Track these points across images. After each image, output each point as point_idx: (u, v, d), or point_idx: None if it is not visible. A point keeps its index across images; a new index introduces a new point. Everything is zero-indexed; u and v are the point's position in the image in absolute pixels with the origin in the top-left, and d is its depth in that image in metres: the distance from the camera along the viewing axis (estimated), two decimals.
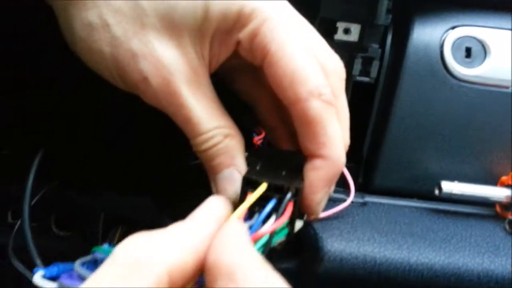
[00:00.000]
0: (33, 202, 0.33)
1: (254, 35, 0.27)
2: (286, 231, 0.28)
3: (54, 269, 0.28)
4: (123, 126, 0.39)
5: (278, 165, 0.29)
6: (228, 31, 0.27)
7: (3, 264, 0.37)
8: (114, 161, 0.38)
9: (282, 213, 0.26)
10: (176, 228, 0.21)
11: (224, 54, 0.29)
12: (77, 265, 0.27)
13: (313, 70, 0.27)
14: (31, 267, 0.31)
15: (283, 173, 0.28)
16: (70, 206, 0.38)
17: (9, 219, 0.39)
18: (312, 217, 0.30)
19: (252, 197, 0.26)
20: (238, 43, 0.28)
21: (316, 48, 0.28)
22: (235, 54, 0.29)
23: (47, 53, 0.34)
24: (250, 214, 0.26)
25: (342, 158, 0.28)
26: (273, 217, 0.25)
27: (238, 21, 0.27)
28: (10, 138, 0.39)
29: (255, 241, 0.24)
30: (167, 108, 0.27)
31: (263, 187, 0.26)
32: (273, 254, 0.34)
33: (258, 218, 0.25)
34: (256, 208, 0.26)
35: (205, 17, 0.26)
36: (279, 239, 0.28)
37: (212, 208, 0.23)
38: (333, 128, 0.27)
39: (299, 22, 0.29)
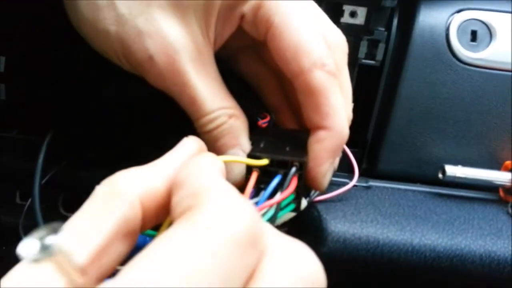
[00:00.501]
0: (43, 182, 0.34)
1: (258, 8, 0.27)
2: (292, 206, 0.28)
3: None
4: (133, 108, 0.39)
5: (282, 142, 0.29)
6: (232, 6, 0.28)
7: (12, 243, 0.38)
8: (122, 142, 0.39)
9: (287, 186, 0.26)
10: (151, 162, 0.21)
11: (228, 31, 0.29)
12: None
13: (316, 42, 0.27)
14: None
15: (287, 149, 0.28)
16: (77, 188, 0.39)
17: (18, 200, 0.40)
18: (319, 190, 0.30)
19: (254, 175, 0.26)
20: (242, 17, 0.28)
21: (319, 22, 0.29)
22: (238, 33, 0.29)
23: (57, 35, 0.34)
24: (257, 191, 0.26)
25: (346, 129, 0.28)
26: (279, 193, 0.26)
27: None
28: (18, 120, 0.40)
29: (261, 213, 0.25)
30: (172, 88, 0.27)
31: (264, 161, 0.26)
32: None
33: (263, 194, 0.25)
34: (262, 186, 0.26)
35: None
36: (286, 213, 0.28)
37: (186, 144, 0.23)
38: (336, 99, 0.27)
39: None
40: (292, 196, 0.28)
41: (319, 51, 0.27)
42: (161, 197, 0.19)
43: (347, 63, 0.30)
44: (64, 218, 0.40)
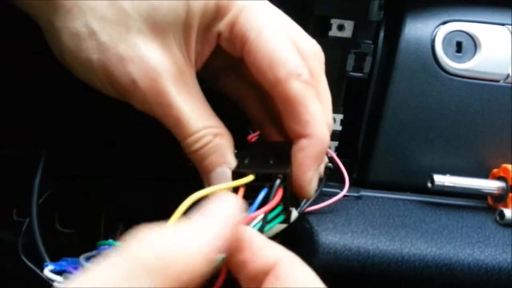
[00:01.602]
0: (40, 201, 0.34)
1: (233, 24, 0.28)
2: (281, 217, 0.29)
3: (62, 264, 0.30)
4: (125, 126, 0.40)
5: (266, 155, 0.30)
6: (208, 25, 0.28)
7: (9, 260, 0.38)
8: (116, 159, 0.39)
9: (272, 198, 0.26)
10: (190, 228, 0.20)
11: (207, 50, 0.30)
12: (82, 259, 0.28)
13: (289, 52, 0.28)
14: (38, 263, 0.32)
15: (271, 161, 0.29)
16: (73, 204, 0.39)
17: (15, 217, 0.40)
18: (306, 198, 0.30)
19: (240, 192, 0.27)
20: (219, 35, 0.29)
21: (293, 33, 0.29)
22: (217, 53, 0.30)
23: (49, 54, 0.35)
24: (245, 207, 0.27)
25: (326, 136, 0.29)
26: (264, 207, 0.26)
27: (217, 13, 0.28)
28: (12, 138, 0.40)
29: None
30: (156, 110, 0.28)
31: (249, 178, 0.27)
32: None
33: (250, 208, 0.26)
34: (250, 201, 0.27)
35: (187, 14, 0.27)
36: (274, 226, 0.29)
37: (225, 207, 0.23)
38: (314, 107, 0.28)
39: (273, 9, 0.30)
40: (280, 208, 0.28)
41: (293, 61, 0.28)
42: (199, 275, 0.19)
43: (324, 71, 0.31)
44: (61, 235, 0.40)
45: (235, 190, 0.27)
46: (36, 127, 0.39)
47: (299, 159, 0.28)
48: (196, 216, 0.20)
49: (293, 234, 0.35)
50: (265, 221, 0.26)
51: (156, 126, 0.30)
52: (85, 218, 0.40)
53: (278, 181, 0.27)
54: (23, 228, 0.37)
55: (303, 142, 0.28)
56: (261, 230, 0.26)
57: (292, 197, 0.29)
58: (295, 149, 0.29)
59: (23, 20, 0.30)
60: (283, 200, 0.28)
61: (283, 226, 0.31)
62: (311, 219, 0.35)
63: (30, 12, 0.28)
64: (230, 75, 0.34)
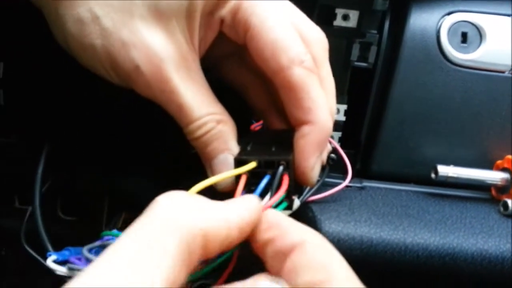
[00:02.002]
0: (43, 189, 0.34)
1: (236, 11, 0.28)
2: (284, 204, 0.29)
3: (65, 253, 0.30)
4: (128, 113, 0.40)
5: (268, 142, 0.30)
6: (211, 11, 0.28)
7: (11, 247, 0.38)
8: (119, 148, 0.39)
9: (279, 186, 0.26)
10: (213, 202, 0.21)
11: (210, 36, 0.30)
12: (85, 250, 0.28)
13: (292, 39, 0.28)
14: (40, 251, 0.32)
15: (273, 149, 0.29)
16: (75, 192, 0.39)
17: (17, 204, 0.40)
18: (309, 185, 0.30)
19: (242, 179, 0.27)
20: (222, 21, 0.29)
21: (296, 20, 0.29)
22: (220, 40, 0.30)
23: (52, 44, 0.35)
24: (247, 193, 0.27)
25: (329, 122, 0.29)
26: (269, 194, 0.26)
27: None
28: (16, 125, 0.40)
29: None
30: (159, 96, 0.28)
31: (251, 165, 0.27)
32: None
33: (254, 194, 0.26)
34: (253, 188, 0.27)
35: (190, 0, 0.27)
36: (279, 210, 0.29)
37: (246, 198, 0.24)
38: (316, 93, 0.28)
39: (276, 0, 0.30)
40: (283, 195, 0.29)
41: (296, 48, 0.28)
42: (219, 242, 0.20)
43: (327, 59, 0.31)
44: (63, 222, 0.40)
45: (238, 177, 0.27)
46: (39, 117, 0.39)
47: (301, 146, 0.28)
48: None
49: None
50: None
51: (159, 113, 0.30)
52: (88, 206, 0.40)
53: (281, 168, 0.27)
54: (26, 217, 0.37)
55: (305, 129, 0.28)
56: None
57: (295, 184, 0.29)
58: (297, 135, 0.29)
59: (26, 11, 0.29)
60: (288, 187, 0.27)
61: (286, 213, 0.31)
62: (314, 208, 0.35)
63: (33, 0, 0.28)
64: (233, 63, 0.34)
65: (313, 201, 0.35)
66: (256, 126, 0.39)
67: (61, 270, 0.28)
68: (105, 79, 0.29)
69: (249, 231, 0.22)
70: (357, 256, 0.32)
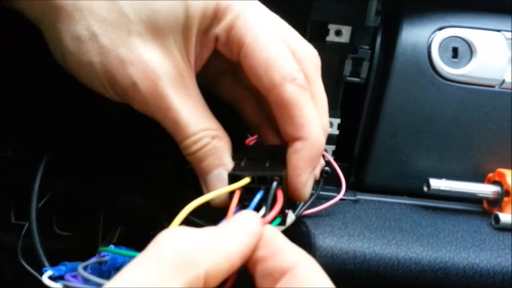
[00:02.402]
0: (39, 205, 0.34)
1: (230, 29, 0.29)
2: (278, 220, 0.29)
3: (61, 268, 0.30)
4: (124, 128, 0.40)
5: (262, 158, 0.30)
6: (207, 28, 0.29)
7: (7, 262, 0.38)
8: (116, 162, 0.40)
9: (275, 201, 0.27)
10: (215, 232, 0.22)
11: (206, 54, 0.30)
12: (80, 268, 0.28)
13: (285, 57, 0.28)
14: (36, 266, 0.32)
15: (267, 164, 0.29)
16: (71, 207, 0.40)
17: (12, 219, 0.40)
18: (301, 200, 0.30)
19: (236, 194, 0.27)
20: (216, 39, 0.29)
21: (288, 37, 0.30)
22: (215, 57, 0.30)
23: (50, 57, 0.35)
24: (241, 209, 0.27)
25: (321, 139, 0.29)
26: (263, 209, 0.27)
27: (215, 17, 0.28)
28: (12, 139, 0.41)
29: None
30: (155, 113, 0.28)
31: (245, 180, 0.27)
32: None
33: (248, 209, 0.26)
34: (246, 203, 0.27)
35: (186, 17, 0.28)
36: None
37: (247, 221, 0.24)
38: (308, 110, 0.28)
39: (270, 14, 0.30)
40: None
41: (289, 66, 0.28)
42: (223, 275, 0.21)
43: (319, 75, 0.31)
44: (59, 237, 0.40)
45: (232, 192, 0.28)
46: (35, 131, 0.39)
47: (293, 162, 0.29)
48: (224, 224, 0.22)
49: (290, 237, 0.35)
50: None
51: (156, 128, 0.31)
52: (83, 220, 0.40)
53: (275, 183, 0.27)
54: (23, 232, 0.37)
55: (297, 145, 0.29)
56: None
57: (288, 199, 0.29)
58: (290, 151, 0.29)
59: (24, 24, 0.30)
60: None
61: (280, 228, 0.31)
62: (308, 222, 0.35)
63: (32, 16, 0.28)
64: (227, 79, 0.34)
65: (307, 215, 0.36)
66: (250, 140, 0.40)
67: (56, 287, 0.28)
68: (102, 95, 0.30)
69: (250, 254, 0.22)
70: (351, 270, 0.33)
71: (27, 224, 0.35)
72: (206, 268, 0.19)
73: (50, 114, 0.39)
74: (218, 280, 0.20)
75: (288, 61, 0.28)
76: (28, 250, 0.36)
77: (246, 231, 0.22)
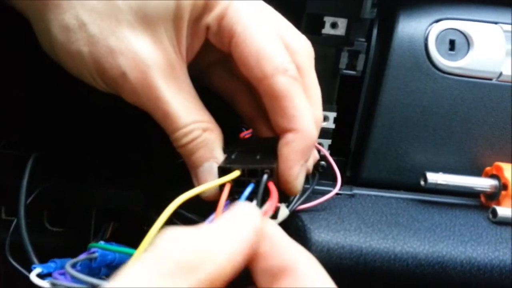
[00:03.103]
0: (28, 201, 0.34)
1: (221, 18, 0.28)
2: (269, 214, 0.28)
3: (51, 265, 0.29)
4: (114, 124, 0.39)
5: (254, 151, 0.29)
6: (197, 18, 0.28)
7: None
8: (106, 158, 0.39)
9: (266, 194, 0.26)
10: (216, 232, 0.20)
11: (197, 44, 0.30)
12: (68, 266, 0.27)
13: (277, 48, 0.28)
14: (25, 263, 0.32)
15: (258, 157, 0.28)
16: (62, 203, 0.39)
17: (3, 216, 0.40)
18: (293, 194, 0.30)
19: (226, 187, 0.27)
20: (207, 29, 0.29)
21: (281, 28, 0.29)
22: (206, 48, 0.30)
23: (40, 53, 0.35)
24: (232, 202, 0.27)
25: (313, 130, 0.29)
26: (254, 202, 0.26)
27: (206, 6, 0.28)
28: (3, 134, 0.40)
29: None
30: (145, 103, 0.28)
31: (235, 173, 0.27)
32: None
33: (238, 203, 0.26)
34: (237, 196, 0.27)
35: (177, 7, 0.27)
36: None
37: (248, 215, 0.22)
38: (300, 102, 0.28)
39: (263, 5, 0.30)
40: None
41: (280, 57, 0.28)
42: (226, 278, 0.19)
43: (313, 67, 0.31)
44: (50, 233, 0.39)
45: (222, 185, 0.27)
46: (25, 126, 0.38)
47: (284, 154, 0.28)
48: (220, 220, 0.21)
49: (286, 232, 0.34)
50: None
51: (146, 122, 0.30)
52: (75, 216, 0.40)
53: (265, 176, 0.27)
54: (11, 228, 0.37)
55: (289, 136, 0.28)
56: None
57: (279, 193, 0.29)
58: (281, 143, 0.29)
59: (11, 18, 0.29)
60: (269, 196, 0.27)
61: (277, 221, 0.30)
62: (304, 217, 0.35)
63: (20, 7, 0.28)
64: (219, 71, 0.34)
65: (303, 210, 0.35)
66: (245, 134, 0.39)
67: (44, 286, 0.27)
68: (91, 86, 0.29)
69: (252, 252, 0.22)
70: (347, 265, 0.32)
71: (15, 221, 0.34)
72: (208, 273, 0.19)
73: (39, 110, 0.39)
74: (221, 284, 0.20)
75: (280, 52, 0.28)
76: (17, 247, 0.35)
77: (248, 228, 0.21)
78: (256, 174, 0.27)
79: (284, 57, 0.28)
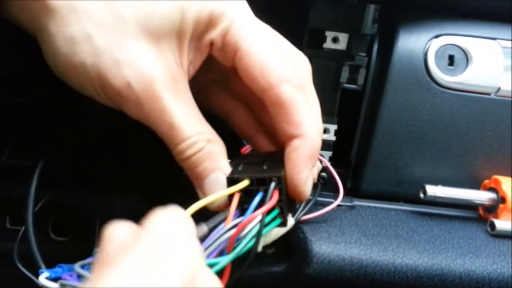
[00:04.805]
0: (36, 209, 0.34)
1: (225, 33, 0.29)
2: (278, 221, 0.29)
3: (58, 270, 0.29)
4: (120, 134, 0.40)
5: (259, 162, 0.30)
6: (201, 34, 0.29)
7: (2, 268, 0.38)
8: (110, 167, 0.39)
9: (270, 199, 0.27)
10: None
11: (199, 59, 0.31)
12: (77, 266, 0.28)
13: (280, 59, 0.29)
14: (32, 270, 0.32)
15: (264, 167, 0.29)
16: (67, 213, 0.39)
17: (8, 225, 0.40)
18: (302, 199, 0.31)
19: (235, 197, 0.27)
20: (211, 44, 0.30)
21: (281, 44, 0.31)
22: (207, 67, 0.31)
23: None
24: (242, 212, 0.28)
25: (318, 137, 0.30)
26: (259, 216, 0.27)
27: (210, 22, 0.29)
28: (8, 144, 0.40)
29: (244, 227, 0.26)
30: (149, 115, 0.28)
31: (244, 183, 0.28)
32: (263, 258, 0.35)
33: (246, 212, 0.27)
34: (246, 206, 0.27)
35: (181, 22, 0.28)
36: (273, 229, 0.29)
37: None
38: (305, 109, 0.29)
39: (261, 23, 0.31)
40: (277, 211, 0.29)
41: (284, 67, 0.29)
42: None
43: (311, 81, 0.32)
44: (54, 243, 0.40)
45: (230, 196, 0.28)
46: (32, 136, 0.39)
47: (293, 159, 0.29)
48: None
49: (287, 244, 0.35)
50: (263, 224, 0.27)
51: (150, 134, 0.31)
52: (79, 226, 0.40)
53: (273, 184, 0.28)
54: (19, 235, 0.37)
55: (296, 142, 0.29)
56: (259, 232, 0.27)
57: (288, 200, 0.29)
58: (289, 150, 0.29)
59: (17, 29, 0.30)
60: (279, 203, 0.28)
61: (283, 231, 0.31)
62: (305, 228, 0.35)
63: (24, 19, 0.28)
64: (216, 91, 0.35)
65: (304, 221, 0.36)
66: (246, 149, 0.40)
67: (53, 287, 0.28)
68: (93, 98, 0.29)
69: None
70: (348, 277, 0.33)
71: (23, 228, 0.35)
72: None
73: (46, 118, 0.39)
74: None
75: (283, 62, 0.29)
76: (24, 255, 0.35)
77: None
78: (265, 183, 0.28)
79: (287, 68, 0.29)
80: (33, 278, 0.33)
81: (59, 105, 0.38)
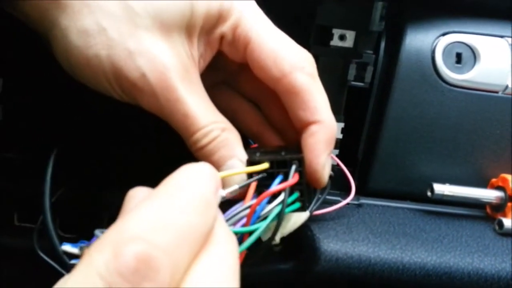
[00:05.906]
0: (53, 200, 0.34)
1: (236, 27, 0.30)
2: (297, 204, 0.30)
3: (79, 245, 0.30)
4: (127, 130, 0.40)
5: (275, 150, 0.31)
6: (211, 28, 0.30)
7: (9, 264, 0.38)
8: (119, 165, 0.40)
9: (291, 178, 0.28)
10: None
11: (209, 54, 0.31)
12: (98, 231, 0.28)
13: (292, 48, 0.30)
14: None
15: (282, 153, 0.30)
16: (74, 209, 0.39)
17: (16, 222, 0.40)
18: (321, 185, 0.31)
19: (253, 183, 0.28)
20: (222, 38, 0.30)
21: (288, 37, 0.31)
22: (214, 65, 0.32)
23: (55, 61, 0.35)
24: (259, 195, 0.27)
25: (334, 122, 0.31)
26: (282, 194, 0.27)
27: (219, 17, 0.30)
28: (16, 140, 0.40)
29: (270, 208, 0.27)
30: (164, 105, 0.28)
31: (264, 165, 0.28)
32: (271, 255, 0.35)
33: (268, 190, 0.27)
34: (264, 189, 0.27)
35: (191, 15, 0.28)
36: (293, 216, 0.30)
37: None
38: (320, 95, 0.30)
39: (266, 17, 0.31)
40: (296, 195, 0.30)
41: (296, 56, 0.30)
42: None
43: (318, 76, 0.32)
44: (63, 240, 0.40)
45: (249, 178, 0.28)
46: (41, 132, 0.39)
47: (311, 144, 0.30)
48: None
49: (295, 241, 0.35)
50: (285, 204, 0.27)
51: (159, 133, 0.30)
52: (87, 223, 0.40)
53: (294, 166, 0.28)
54: (36, 228, 0.37)
55: (313, 128, 0.30)
56: (280, 212, 0.27)
57: (307, 185, 0.30)
58: (306, 135, 0.30)
59: (24, 26, 0.30)
60: (298, 186, 0.29)
61: (299, 223, 0.31)
62: (313, 226, 0.35)
63: (33, 16, 0.28)
64: (224, 90, 0.35)
65: (314, 217, 0.36)
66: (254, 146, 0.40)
67: (73, 250, 0.28)
68: (106, 93, 0.30)
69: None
70: (356, 275, 0.33)
71: (40, 219, 0.35)
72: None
73: (54, 115, 0.39)
74: None
75: (295, 51, 0.30)
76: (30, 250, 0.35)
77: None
78: (285, 166, 0.28)
79: (299, 56, 0.30)
80: (57, 266, 0.33)
81: (68, 101, 0.38)
